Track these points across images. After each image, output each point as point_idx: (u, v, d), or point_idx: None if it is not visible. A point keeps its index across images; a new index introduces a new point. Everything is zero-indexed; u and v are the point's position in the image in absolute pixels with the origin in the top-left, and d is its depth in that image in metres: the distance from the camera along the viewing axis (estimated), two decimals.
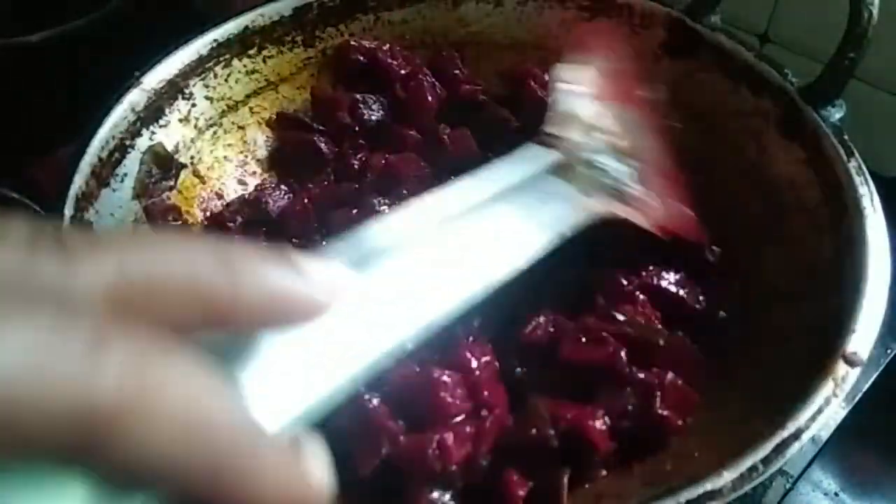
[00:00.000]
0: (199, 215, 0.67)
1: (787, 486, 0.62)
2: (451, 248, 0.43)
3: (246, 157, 0.72)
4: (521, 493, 0.50)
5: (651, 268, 0.61)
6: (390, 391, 0.52)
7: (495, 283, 0.44)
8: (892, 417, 0.69)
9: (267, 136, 0.74)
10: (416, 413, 0.51)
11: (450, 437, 0.49)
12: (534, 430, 0.51)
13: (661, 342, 0.55)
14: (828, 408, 0.47)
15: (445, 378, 0.51)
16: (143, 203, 0.62)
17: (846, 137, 0.60)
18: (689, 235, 0.60)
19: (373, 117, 0.72)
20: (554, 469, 0.51)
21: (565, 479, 0.50)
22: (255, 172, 0.73)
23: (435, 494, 0.49)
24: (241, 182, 0.71)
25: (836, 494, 0.65)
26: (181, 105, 0.67)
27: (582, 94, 0.62)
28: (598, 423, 0.51)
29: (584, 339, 0.55)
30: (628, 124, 0.61)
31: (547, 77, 0.69)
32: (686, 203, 0.59)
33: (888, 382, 0.66)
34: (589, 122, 0.60)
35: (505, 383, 0.55)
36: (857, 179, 0.58)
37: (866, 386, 0.64)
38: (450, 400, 0.50)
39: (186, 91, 0.67)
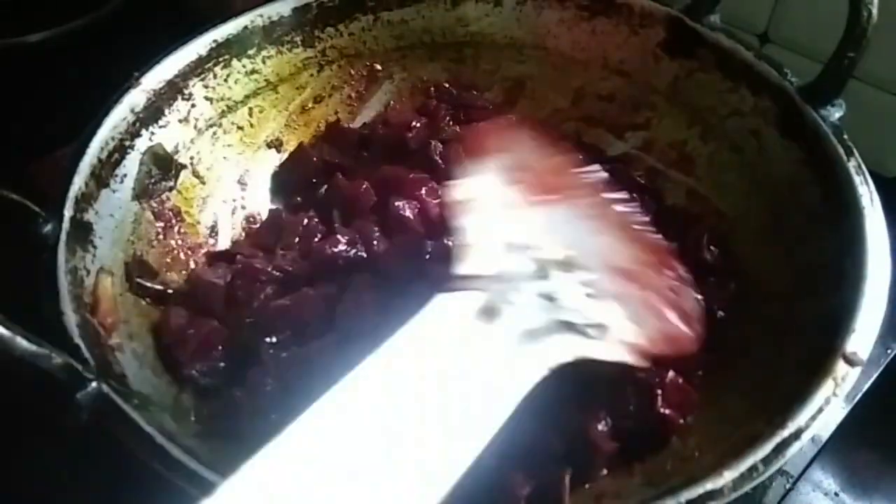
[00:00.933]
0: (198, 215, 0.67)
1: (788, 485, 0.62)
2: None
3: (245, 157, 0.72)
4: (524, 492, 0.50)
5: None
6: None
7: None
8: (892, 417, 0.69)
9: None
10: None
11: None
12: (538, 440, 0.51)
13: None
14: (828, 408, 0.47)
15: None
16: (142, 204, 0.62)
17: (846, 137, 0.60)
18: (684, 351, 0.49)
19: None
20: (556, 469, 0.51)
21: (567, 480, 0.50)
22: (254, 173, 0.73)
23: None
24: (241, 183, 0.71)
25: (836, 494, 0.65)
26: (181, 105, 0.67)
27: (490, 209, 0.49)
28: (601, 426, 0.51)
29: None
30: (567, 226, 0.49)
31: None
32: (677, 297, 0.48)
33: (888, 382, 0.66)
34: (508, 241, 0.47)
35: None
36: (857, 179, 0.58)
37: (867, 385, 0.64)
38: None
39: (186, 91, 0.67)
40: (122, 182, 0.61)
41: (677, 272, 0.50)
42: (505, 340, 0.43)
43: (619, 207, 0.51)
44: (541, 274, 0.46)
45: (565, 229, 0.48)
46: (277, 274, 0.61)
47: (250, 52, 0.72)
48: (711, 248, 0.64)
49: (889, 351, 0.67)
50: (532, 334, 0.43)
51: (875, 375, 0.65)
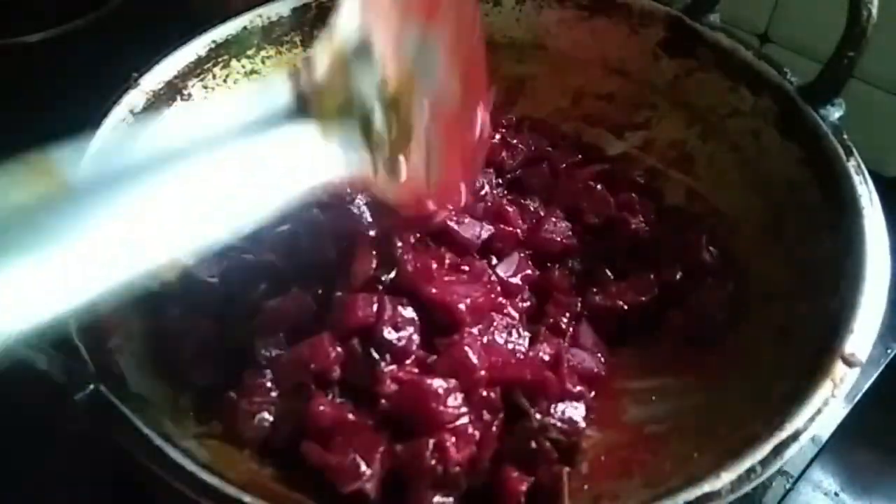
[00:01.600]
0: None
1: (787, 485, 0.62)
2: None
3: None
4: (523, 488, 0.50)
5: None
6: (384, 404, 0.52)
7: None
8: (892, 417, 0.69)
9: None
10: (411, 423, 0.51)
11: (449, 439, 0.49)
12: (532, 444, 0.51)
13: None
14: (826, 409, 0.47)
15: (437, 387, 0.51)
16: None
17: (845, 137, 0.60)
18: (447, 206, 0.51)
19: None
20: (553, 465, 0.51)
21: (565, 478, 0.50)
22: None
23: (437, 498, 0.49)
24: None
25: (836, 494, 0.65)
26: (180, 106, 0.67)
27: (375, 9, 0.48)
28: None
29: None
30: (423, 55, 0.49)
31: None
32: (459, 172, 0.51)
33: (888, 382, 0.65)
34: (368, 51, 0.47)
35: None
36: (856, 179, 0.57)
37: (866, 386, 0.64)
38: (442, 409, 0.50)
39: (185, 92, 0.67)
40: None
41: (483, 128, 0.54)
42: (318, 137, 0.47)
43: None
44: (375, 99, 0.48)
45: (420, 57, 0.50)
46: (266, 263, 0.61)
47: (249, 52, 0.72)
48: (711, 248, 0.64)
49: (889, 351, 0.67)
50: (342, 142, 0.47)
51: (875, 375, 0.65)
